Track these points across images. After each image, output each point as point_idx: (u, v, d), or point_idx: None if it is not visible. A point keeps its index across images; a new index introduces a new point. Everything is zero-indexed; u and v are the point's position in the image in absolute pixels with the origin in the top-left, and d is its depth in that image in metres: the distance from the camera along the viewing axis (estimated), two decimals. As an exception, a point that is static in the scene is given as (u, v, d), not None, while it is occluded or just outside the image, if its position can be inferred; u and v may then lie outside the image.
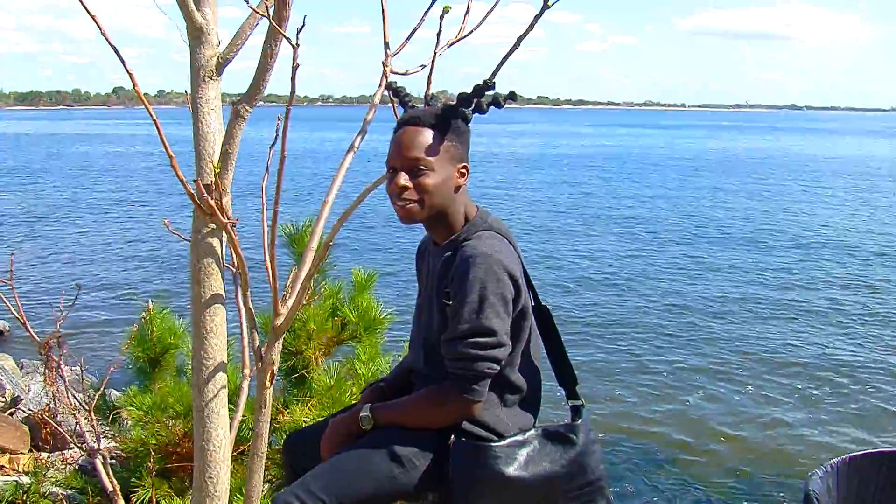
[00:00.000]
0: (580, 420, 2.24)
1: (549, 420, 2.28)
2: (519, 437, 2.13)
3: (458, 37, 3.00)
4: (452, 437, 2.10)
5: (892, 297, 13.67)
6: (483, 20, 2.94)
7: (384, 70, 2.83)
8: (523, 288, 2.11)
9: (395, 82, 2.39)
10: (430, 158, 2.10)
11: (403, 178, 2.11)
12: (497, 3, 2.87)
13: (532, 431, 2.16)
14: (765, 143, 71.95)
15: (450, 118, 2.14)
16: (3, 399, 6.11)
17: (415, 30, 2.89)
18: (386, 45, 2.93)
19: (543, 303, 2.29)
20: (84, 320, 11.38)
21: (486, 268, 2.01)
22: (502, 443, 2.10)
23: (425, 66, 2.98)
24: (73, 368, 4.16)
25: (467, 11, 3.00)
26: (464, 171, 2.17)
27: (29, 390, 6.15)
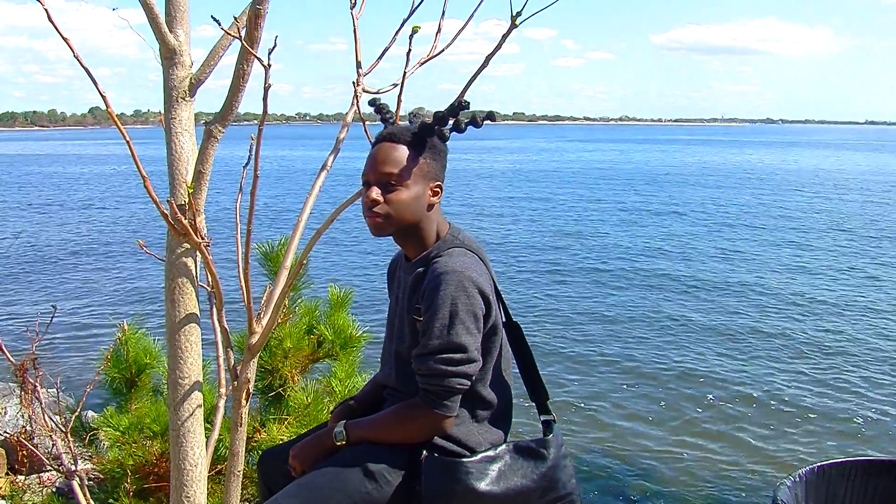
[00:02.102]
0: (551, 435, 2.26)
1: (520, 435, 2.30)
2: (490, 453, 2.14)
3: (430, 55, 3.04)
4: (424, 452, 2.11)
5: (862, 309, 13.78)
6: (454, 39, 2.96)
7: (355, 89, 2.87)
8: (494, 304, 2.13)
9: (379, 98, 2.41)
10: (402, 174, 2.13)
11: (375, 192, 2.14)
12: (467, 23, 2.91)
13: (503, 446, 2.18)
14: (740, 157, 72.48)
15: (426, 136, 2.17)
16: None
17: (386, 49, 2.92)
18: (358, 64, 2.96)
19: (514, 319, 2.31)
20: (60, 341, 11.29)
21: (456, 284, 2.03)
22: (474, 458, 2.11)
23: (397, 84, 3.02)
24: (48, 390, 4.13)
25: (438, 30, 3.04)
26: (437, 189, 2.20)
27: (5, 413, 6.09)
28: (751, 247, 20.53)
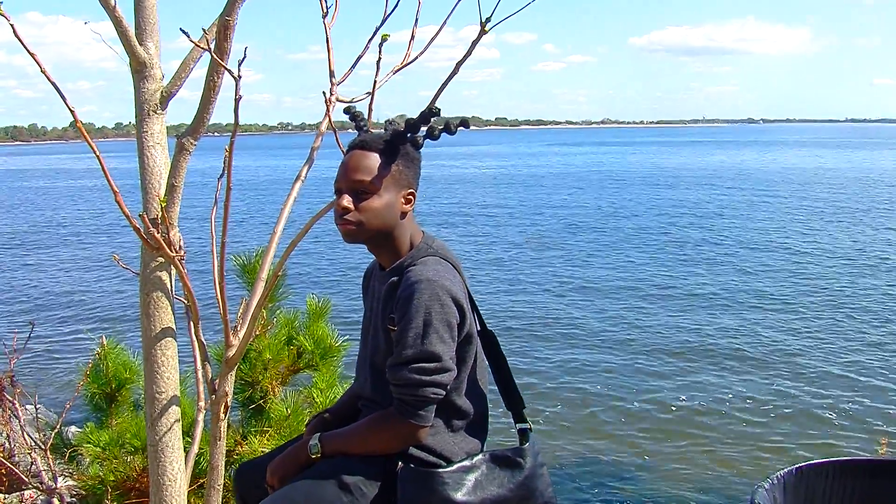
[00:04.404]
0: (528, 443, 2.26)
1: (501, 444, 2.29)
2: (466, 463, 2.13)
3: (403, 63, 3.03)
4: (400, 463, 2.10)
5: (845, 309, 13.84)
6: (426, 47, 2.97)
7: (327, 99, 2.86)
8: (468, 313, 2.12)
9: (354, 107, 2.41)
10: (374, 182, 2.12)
11: (346, 200, 2.13)
12: (439, 31, 2.91)
13: (479, 456, 2.17)
14: (724, 157, 72.72)
15: (398, 144, 2.16)
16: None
17: (359, 58, 2.91)
18: (331, 73, 2.96)
19: (489, 327, 2.31)
20: (39, 357, 11.21)
21: (430, 293, 2.02)
22: (450, 468, 2.10)
23: (370, 93, 3.01)
24: (26, 407, 4.10)
25: (412, 38, 3.05)
26: (410, 197, 2.19)
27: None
28: (724, 249, 20.62)
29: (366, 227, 2.13)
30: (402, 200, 2.17)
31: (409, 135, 2.17)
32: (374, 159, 2.13)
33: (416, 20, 3.03)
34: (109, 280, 17.57)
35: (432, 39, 2.96)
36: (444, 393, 2.07)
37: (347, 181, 2.14)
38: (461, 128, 2.23)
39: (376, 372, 2.19)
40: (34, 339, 10.71)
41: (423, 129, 2.18)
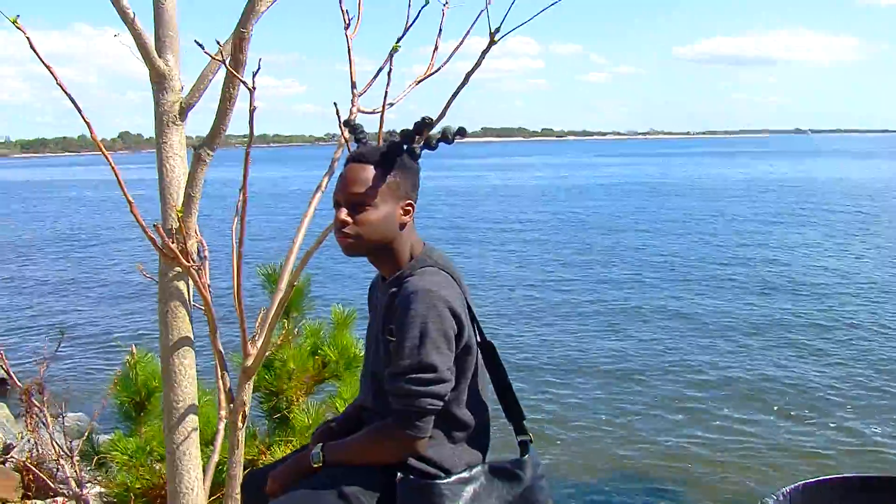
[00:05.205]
0: (527, 455, 2.24)
1: (505, 454, 2.28)
2: (465, 474, 2.12)
3: (427, 73, 3.04)
4: (399, 474, 2.10)
5: (854, 326, 13.42)
6: (449, 58, 2.97)
7: (350, 109, 2.88)
8: (466, 323, 2.11)
9: (353, 119, 2.41)
10: (371, 194, 2.12)
11: (344, 213, 2.13)
12: (461, 43, 2.92)
13: (478, 468, 2.15)
14: (770, 167, 71.61)
15: (395, 155, 2.16)
16: (-3, 448, 6.13)
17: (380, 70, 2.92)
18: (353, 84, 2.97)
19: (488, 338, 2.29)
20: (69, 364, 11.33)
21: (427, 304, 2.01)
22: (448, 480, 2.09)
23: (393, 104, 3.02)
24: (54, 414, 4.16)
25: (435, 48, 3.05)
26: (409, 208, 2.18)
27: (22, 438, 6.16)
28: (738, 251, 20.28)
29: (364, 239, 2.13)
30: (401, 211, 2.16)
31: (404, 146, 2.17)
32: (371, 171, 2.13)
33: (440, 31, 3.04)
34: (141, 289, 17.69)
35: (454, 52, 2.96)
36: (441, 404, 2.06)
37: (345, 194, 2.15)
38: (458, 137, 2.22)
39: (377, 382, 2.19)
40: (64, 346, 10.83)
41: (420, 139, 2.18)
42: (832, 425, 8.89)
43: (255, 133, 2.36)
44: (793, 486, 2.06)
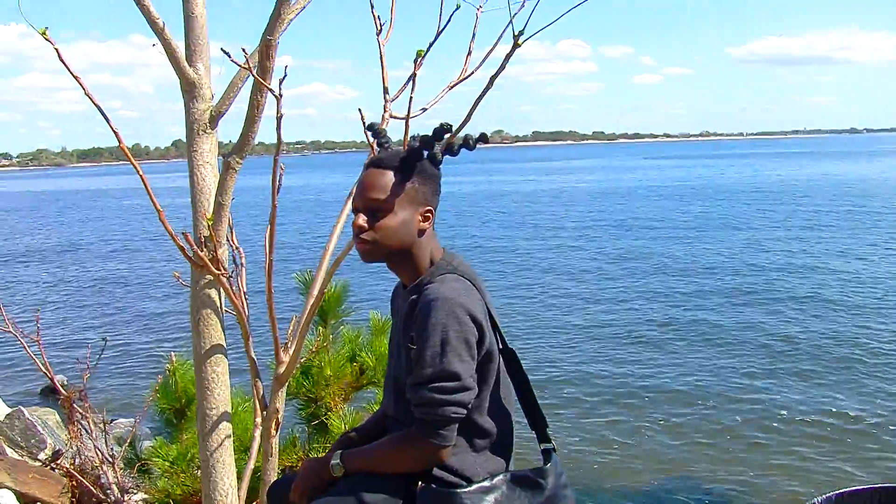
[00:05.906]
0: (550, 464, 2.19)
1: (531, 462, 2.23)
2: (486, 483, 2.08)
3: (460, 78, 3.03)
4: (420, 483, 2.07)
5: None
6: (480, 64, 2.96)
7: (382, 116, 2.87)
8: (487, 331, 2.07)
9: (376, 124, 2.39)
10: (389, 200, 2.09)
11: (362, 219, 2.11)
12: (492, 49, 2.89)
13: (500, 476, 2.12)
14: (828, 169, 70.14)
15: (414, 161, 2.13)
16: (46, 453, 6.22)
17: (412, 76, 2.92)
18: (385, 90, 2.97)
19: (510, 345, 2.26)
20: (111, 371, 11.49)
21: (447, 311, 1.98)
22: (469, 489, 2.06)
23: (426, 109, 3.01)
24: (105, 421, 4.21)
25: (469, 53, 3.03)
26: (428, 214, 2.15)
27: (69, 444, 6.23)
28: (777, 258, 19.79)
29: (381, 245, 2.11)
30: (420, 218, 2.14)
31: (424, 151, 2.15)
32: (390, 177, 2.11)
33: (473, 35, 3.02)
34: (180, 296, 17.81)
35: (485, 58, 2.94)
36: (464, 412, 2.04)
37: (363, 200, 2.13)
38: (479, 143, 2.19)
39: (399, 391, 2.17)
40: (107, 351, 10.91)
41: (439, 145, 2.15)
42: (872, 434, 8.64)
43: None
44: (830, 493, 2.00)
